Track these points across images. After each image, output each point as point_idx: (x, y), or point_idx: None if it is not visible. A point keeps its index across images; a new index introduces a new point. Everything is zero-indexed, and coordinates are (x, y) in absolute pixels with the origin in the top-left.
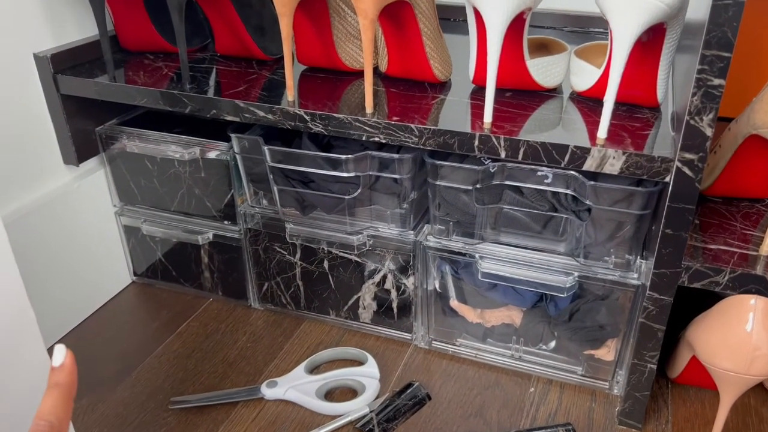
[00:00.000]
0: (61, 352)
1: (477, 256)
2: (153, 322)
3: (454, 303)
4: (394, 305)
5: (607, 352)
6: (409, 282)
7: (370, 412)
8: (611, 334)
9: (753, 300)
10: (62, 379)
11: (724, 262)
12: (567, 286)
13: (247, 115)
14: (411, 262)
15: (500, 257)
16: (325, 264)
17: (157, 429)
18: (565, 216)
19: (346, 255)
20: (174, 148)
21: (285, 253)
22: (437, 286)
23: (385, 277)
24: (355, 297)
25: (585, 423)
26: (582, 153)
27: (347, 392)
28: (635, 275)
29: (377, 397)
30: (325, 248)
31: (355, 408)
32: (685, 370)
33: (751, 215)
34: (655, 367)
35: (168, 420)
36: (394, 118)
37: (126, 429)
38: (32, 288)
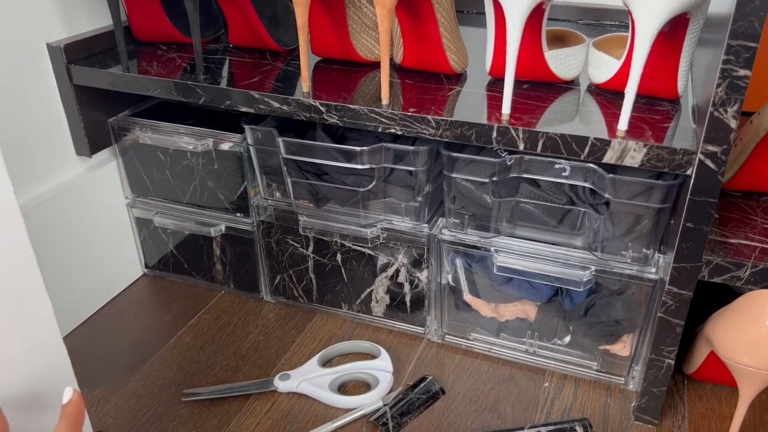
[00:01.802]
0: (68, 392)
1: (492, 249)
2: (165, 314)
3: (467, 297)
4: (407, 299)
5: (622, 348)
6: (423, 276)
7: (384, 405)
8: (627, 329)
9: None
10: (70, 411)
11: (746, 257)
12: (584, 280)
13: (261, 106)
14: (425, 256)
15: (516, 251)
16: (338, 257)
17: (170, 421)
18: (583, 209)
19: (359, 248)
20: (187, 139)
21: (298, 245)
22: (450, 279)
23: (398, 270)
24: (368, 290)
25: (600, 418)
26: (602, 145)
27: (360, 386)
28: (653, 270)
29: (390, 391)
30: (338, 241)
31: (369, 401)
32: (703, 365)
33: None
34: (672, 362)
35: (180, 412)
36: (411, 110)
37: (139, 421)
38: (45, 279)
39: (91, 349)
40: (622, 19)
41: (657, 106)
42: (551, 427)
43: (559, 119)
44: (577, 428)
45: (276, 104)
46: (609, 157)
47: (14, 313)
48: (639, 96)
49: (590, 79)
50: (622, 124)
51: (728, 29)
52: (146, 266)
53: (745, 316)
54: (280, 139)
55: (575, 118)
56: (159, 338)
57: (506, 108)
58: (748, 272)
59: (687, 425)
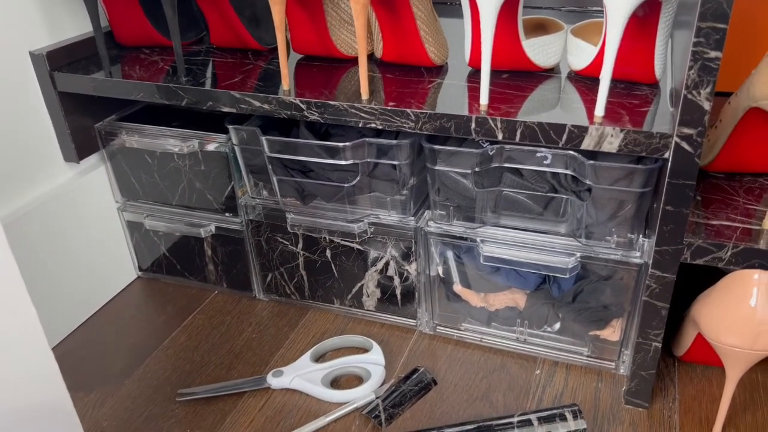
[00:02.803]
0: None
1: (478, 240)
2: (159, 316)
3: (457, 288)
4: (398, 292)
5: (612, 332)
6: (412, 268)
7: (376, 398)
8: (616, 313)
9: (757, 275)
10: None
11: (727, 238)
12: (569, 267)
13: (243, 106)
14: (413, 249)
15: (502, 240)
16: (328, 253)
17: (166, 421)
18: (566, 197)
19: (347, 243)
20: (173, 141)
21: (287, 243)
22: (440, 271)
23: (387, 264)
24: (359, 285)
25: (591, 403)
26: (580, 132)
27: (353, 379)
28: (638, 254)
29: (383, 384)
30: (327, 237)
31: (361, 395)
32: (691, 347)
33: (753, 190)
34: (660, 345)
35: (176, 412)
36: (390, 104)
37: (135, 422)
38: (39, 286)
39: (86, 353)
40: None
41: (635, 90)
42: (541, 414)
43: (539, 108)
44: (567, 414)
45: (257, 103)
46: (587, 144)
47: None
48: (617, 81)
49: (570, 67)
50: (599, 110)
51: (697, 11)
52: (140, 269)
53: (728, 297)
54: (263, 138)
55: (555, 106)
56: (154, 339)
57: (484, 98)
58: (729, 253)
59: (677, 407)
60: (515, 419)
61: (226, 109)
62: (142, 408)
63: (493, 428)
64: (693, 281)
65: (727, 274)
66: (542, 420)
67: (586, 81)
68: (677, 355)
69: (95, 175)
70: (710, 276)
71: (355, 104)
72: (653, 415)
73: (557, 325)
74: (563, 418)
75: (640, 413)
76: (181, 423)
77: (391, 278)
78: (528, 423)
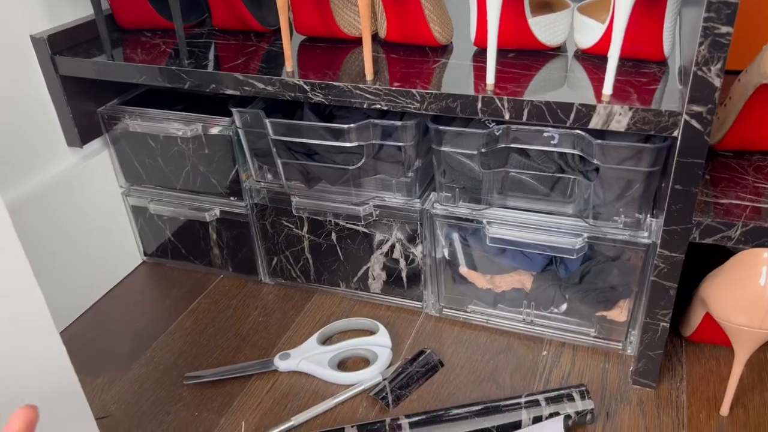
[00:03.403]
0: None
1: (484, 221)
2: (165, 300)
3: (463, 270)
4: (404, 274)
5: (619, 313)
6: (417, 251)
7: (383, 380)
8: (623, 294)
9: (767, 253)
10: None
11: (736, 216)
12: (576, 247)
13: (246, 88)
14: (418, 231)
15: (508, 222)
16: (333, 236)
17: (173, 404)
18: (573, 177)
19: (353, 226)
20: (176, 125)
21: (292, 226)
22: (446, 253)
23: (393, 246)
24: (365, 268)
25: (599, 384)
26: (587, 111)
27: (360, 362)
28: (645, 234)
29: (390, 366)
30: (332, 220)
31: (368, 377)
32: (699, 327)
33: (763, 168)
34: (667, 325)
35: (183, 395)
36: (395, 84)
37: (142, 405)
38: (44, 271)
39: (93, 338)
40: None
41: (643, 68)
42: (549, 395)
43: (546, 87)
44: (575, 395)
45: (261, 85)
46: (595, 123)
47: (4, 306)
48: (625, 59)
49: (576, 45)
50: (607, 88)
51: None
52: (145, 254)
53: (737, 276)
54: (267, 121)
55: (562, 85)
56: (160, 324)
57: (490, 78)
58: (738, 232)
59: (685, 387)
60: (523, 400)
61: (229, 92)
62: (150, 391)
63: (501, 409)
64: (701, 262)
65: (736, 254)
66: (550, 400)
67: (593, 59)
68: (685, 335)
69: (99, 160)
70: (719, 256)
71: (360, 85)
72: (661, 395)
73: (564, 307)
74: (571, 398)
75: (647, 393)
76: (189, 406)
77: (396, 261)
78: (536, 403)
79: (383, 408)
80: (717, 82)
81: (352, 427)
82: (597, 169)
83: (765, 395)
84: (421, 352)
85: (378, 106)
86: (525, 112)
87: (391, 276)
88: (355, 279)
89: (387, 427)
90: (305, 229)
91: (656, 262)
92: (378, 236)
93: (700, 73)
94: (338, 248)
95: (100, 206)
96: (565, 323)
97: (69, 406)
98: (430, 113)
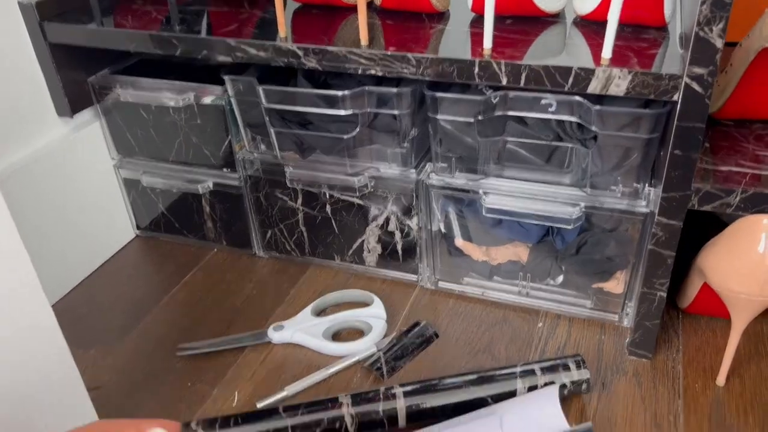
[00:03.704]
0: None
1: (481, 191)
2: (158, 274)
3: (459, 242)
4: (399, 247)
5: (616, 285)
6: (413, 223)
7: (378, 351)
8: (620, 265)
9: (766, 220)
10: None
11: (736, 183)
12: (573, 217)
13: (238, 54)
14: (414, 203)
15: (505, 191)
16: (328, 208)
17: (166, 375)
18: (571, 145)
19: (348, 198)
20: (168, 94)
21: (286, 199)
22: (442, 226)
23: (388, 219)
24: (360, 240)
25: (594, 355)
26: (586, 75)
27: (354, 333)
28: (643, 203)
29: (384, 337)
30: (327, 192)
31: (363, 348)
32: (696, 298)
33: (763, 137)
34: (665, 295)
35: (176, 367)
36: (391, 49)
37: (135, 377)
38: (35, 244)
39: (85, 311)
40: None
41: (644, 34)
42: (544, 364)
43: (544, 52)
44: (570, 364)
45: (253, 51)
46: (593, 87)
47: None
48: (625, 25)
49: (575, 11)
50: (606, 51)
51: None
52: (138, 228)
53: (736, 243)
54: (260, 88)
55: (560, 51)
56: (153, 297)
57: (488, 42)
58: (738, 198)
59: (681, 358)
60: (518, 369)
61: (221, 58)
62: (143, 363)
63: (496, 378)
64: (698, 236)
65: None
66: (545, 370)
67: (592, 25)
68: (682, 307)
69: (90, 131)
70: (716, 229)
71: (354, 50)
72: (657, 366)
73: (560, 278)
74: (566, 367)
75: (643, 364)
76: (182, 377)
77: (392, 233)
78: (531, 373)
79: (377, 378)
80: (719, 43)
81: (346, 395)
82: (595, 137)
83: (761, 366)
84: (416, 324)
85: (373, 71)
86: (523, 77)
87: (386, 249)
88: (350, 252)
89: (381, 396)
90: (299, 201)
91: (654, 230)
92: (373, 209)
93: (701, 33)
94: (333, 221)
95: (92, 178)
96: (561, 295)
97: (60, 376)
98: (426, 78)
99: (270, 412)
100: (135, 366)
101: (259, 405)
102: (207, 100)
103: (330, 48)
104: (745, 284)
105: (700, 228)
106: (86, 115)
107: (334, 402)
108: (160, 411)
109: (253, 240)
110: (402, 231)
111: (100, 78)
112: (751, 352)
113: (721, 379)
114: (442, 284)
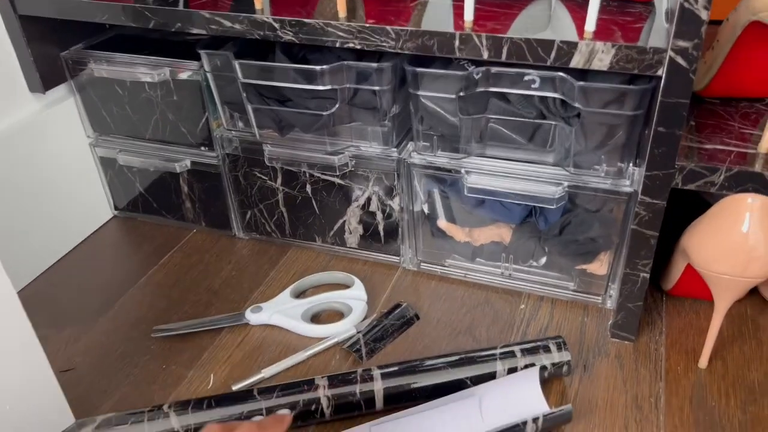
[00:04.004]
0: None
1: (463, 171)
2: (135, 254)
3: (441, 223)
4: (381, 228)
5: (599, 266)
6: (395, 204)
7: (357, 332)
8: (604, 247)
9: (750, 199)
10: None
11: (720, 161)
12: (556, 197)
13: (213, 27)
14: (396, 182)
15: (487, 171)
16: (308, 188)
17: (141, 357)
18: (554, 123)
19: (328, 178)
20: (143, 70)
21: (266, 178)
22: (424, 207)
23: (369, 199)
24: (341, 221)
25: (577, 337)
26: (569, 48)
27: (334, 315)
28: (627, 183)
29: (364, 319)
30: (307, 171)
31: (342, 330)
32: (680, 280)
33: (750, 115)
34: (648, 276)
35: (152, 348)
36: (370, 21)
37: (109, 358)
38: (8, 224)
39: (60, 291)
40: None
41: (629, 8)
42: (525, 346)
43: (527, 25)
44: (551, 346)
45: (228, 23)
46: (576, 61)
47: None
48: None
49: None
50: (590, 24)
51: None
52: (116, 208)
53: (719, 223)
54: (236, 63)
55: (544, 25)
56: (129, 278)
57: (469, 15)
58: (722, 177)
59: (664, 340)
60: (498, 351)
61: (195, 31)
62: (117, 344)
63: (475, 360)
64: (682, 216)
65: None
66: (526, 351)
67: (577, 0)
68: (665, 289)
69: (64, 108)
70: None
71: (332, 22)
72: (639, 348)
73: (543, 260)
74: (547, 349)
75: (626, 346)
76: (157, 358)
77: (373, 214)
78: (511, 354)
79: (356, 360)
80: (704, 15)
81: (323, 377)
82: (578, 115)
83: (744, 348)
84: (397, 306)
85: (351, 44)
86: (504, 51)
87: (367, 230)
88: (331, 233)
89: (358, 378)
90: (279, 180)
91: (637, 210)
92: (354, 189)
93: (686, 5)
94: (313, 201)
95: (67, 157)
96: (544, 277)
97: (25, 358)
98: (406, 52)
99: (244, 395)
100: (109, 347)
101: (235, 387)
102: (183, 75)
103: (307, 20)
104: (729, 264)
105: (684, 208)
106: (60, 91)
107: (310, 384)
108: (133, 393)
109: (233, 221)
110: (384, 211)
111: (73, 53)
112: (735, 333)
113: (703, 362)
114: (424, 266)
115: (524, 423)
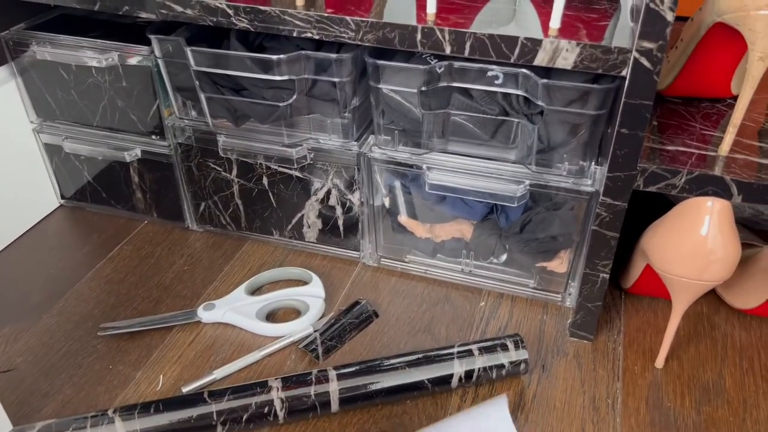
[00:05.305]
0: None
1: (424, 167)
2: (83, 246)
3: (402, 219)
4: (340, 223)
5: (559, 264)
6: (355, 198)
7: (314, 331)
8: (564, 245)
9: (710, 202)
10: None
11: (682, 164)
12: (517, 195)
13: (163, 11)
14: (356, 176)
15: (448, 167)
16: (264, 181)
17: (86, 357)
18: (517, 120)
19: (286, 170)
20: (89, 53)
21: (220, 169)
22: (386, 202)
23: (329, 193)
24: (299, 215)
25: (536, 336)
26: (533, 45)
27: (290, 313)
28: (589, 182)
29: (322, 317)
30: (263, 163)
31: (298, 328)
32: (639, 279)
33: (711, 116)
34: (607, 276)
35: (98, 347)
36: (329, 11)
37: (52, 357)
38: None
39: (0, 285)
40: None
41: (594, 4)
42: (482, 344)
43: (491, 20)
44: (509, 344)
45: (179, 8)
46: (540, 59)
47: None
48: None
49: None
50: (554, 21)
51: None
52: (62, 197)
53: (679, 226)
54: (188, 49)
55: (509, 20)
56: (76, 271)
57: (431, 7)
58: (683, 179)
59: (622, 339)
60: (455, 350)
61: (144, 15)
62: (61, 343)
63: (433, 359)
64: (644, 215)
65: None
66: (483, 350)
67: None
68: (624, 287)
69: (5, 91)
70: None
71: (289, 10)
72: (597, 348)
73: (504, 257)
74: (504, 347)
75: (584, 345)
76: (103, 358)
77: (333, 208)
78: (469, 353)
79: (313, 360)
80: (669, 17)
81: (276, 379)
82: (542, 113)
83: (700, 348)
84: (356, 303)
85: (309, 34)
86: (467, 46)
87: (327, 224)
88: (289, 227)
89: (313, 379)
90: (234, 172)
91: (598, 211)
92: (313, 182)
93: (652, 5)
94: (270, 194)
95: (9, 143)
96: (504, 274)
97: None
98: (366, 44)
99: (194, 398)
100: (52, 346)
101: (185, 389)
102: (133, 60)
103: (263, 7)
104: (688, 267)
105: (646, 207)
106: (1, 73)
107: (263, 386)
108: (77, 396)
109: (186, 212)
110: (343, 206)
111: (14, 33)
112: (691, 333)
113: (660, 361)
114: (384, 261)
115: None
